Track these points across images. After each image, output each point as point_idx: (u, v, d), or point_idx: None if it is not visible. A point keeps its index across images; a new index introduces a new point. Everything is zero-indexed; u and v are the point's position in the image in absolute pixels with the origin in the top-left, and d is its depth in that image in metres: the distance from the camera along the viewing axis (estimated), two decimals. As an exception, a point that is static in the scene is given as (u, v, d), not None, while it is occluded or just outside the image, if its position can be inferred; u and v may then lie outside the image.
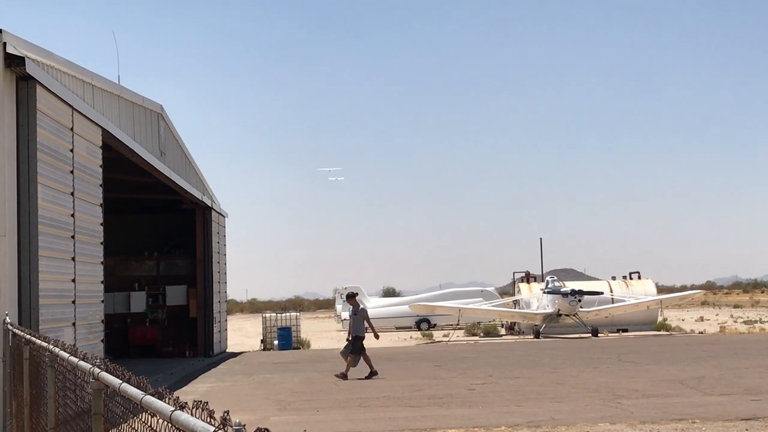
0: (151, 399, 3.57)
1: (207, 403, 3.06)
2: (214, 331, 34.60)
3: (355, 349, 21.47)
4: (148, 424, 3.74)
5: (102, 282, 18.32)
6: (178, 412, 3.14)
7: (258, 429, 2.62)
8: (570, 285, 41.54)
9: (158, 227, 35.29)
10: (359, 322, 21.73)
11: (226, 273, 38.46)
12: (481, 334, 43.73)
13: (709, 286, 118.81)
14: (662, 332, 41.99)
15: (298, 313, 41.75)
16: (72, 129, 15.99)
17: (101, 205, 18.16)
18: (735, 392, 16.48)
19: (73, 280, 15.96)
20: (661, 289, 56.86)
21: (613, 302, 42.13)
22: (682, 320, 53.39)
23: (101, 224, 18.18)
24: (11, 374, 11.34)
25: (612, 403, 15.16)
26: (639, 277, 46.55)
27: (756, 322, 50.54)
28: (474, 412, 14.55)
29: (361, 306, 22.55)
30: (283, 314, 41.01)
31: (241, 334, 50.77)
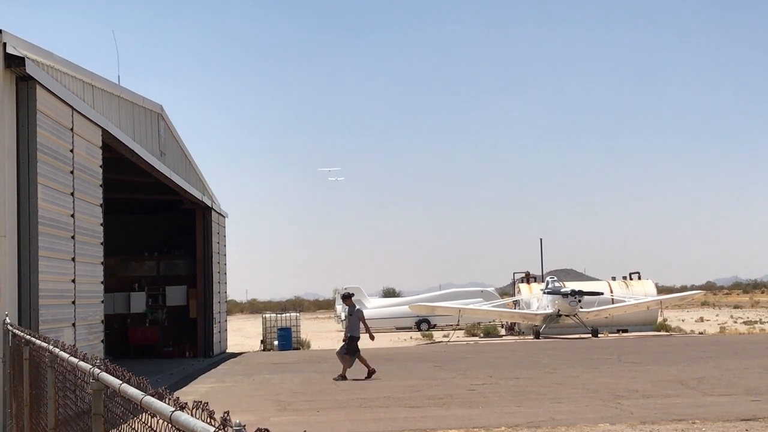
0: (151, 399, 3.56)
1: (207, 403, 3.06)
2: (214, 331, 34.61)
3: (350, 349, 21.48)
4: (148, 424, 3.73)
5: (102, 282, 18.32)
6: (178, 413, 3.14)
7: (258, 429, 2.62)
8: (570, 285, 41.53)
9: (158, 227, 35.29)
10: (354, 322, 21.74)
11: (226, 273, 38.47)
12: (481, 335, 43.72)
13: (709, 287, 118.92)
14: (662, 333, 41.99)
15: (298, 314, 41.75)
16: (72, 129, 15.99)
17: (101, 205, 18.16)
18: (735, 393, 16.48)
19: (73, 281, 15.96)
20: (661, 290, 56.88)
21: (613, 303, 42.13)
22: (682, 321, 53.39)
23: (101, 224, 18.18)
24: (11, 375, 11.34)
25: (612, 404, 15.16)
26: (639, 278, 46.56)
27: (756, 322, 50.54)
28: (474, 413, 14.55)
29: (357, 307, 22.54)
30: (283, 315, 41.02)
31: (241, 334, 50.78)
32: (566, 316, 39.72)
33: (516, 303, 45.64)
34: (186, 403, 3.21)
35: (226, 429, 2.76)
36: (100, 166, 18.08)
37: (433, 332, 45.65)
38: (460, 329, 44.19)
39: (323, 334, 48.97)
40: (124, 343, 33.24)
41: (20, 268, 13.78)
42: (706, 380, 18.77)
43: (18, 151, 13.85)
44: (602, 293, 41.75)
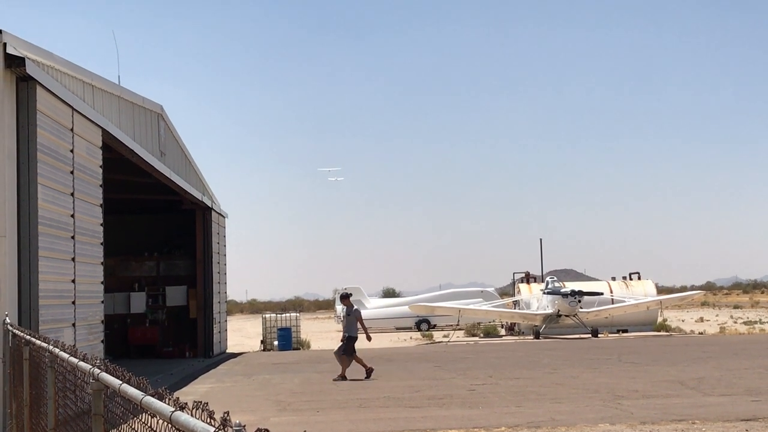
0: (151, 400, 3.56)
1: (207, 403, 3.06)
2: (214, 331, 34.60)
3: (348, 349, 21.49)
4: (148, 424, 3.73)
5: (102, 282, 18.31)
6: (178, 413, 3.14)
7: (258, 430, 2.62)
8: (570, 285, 41.52)
9: (158, 228, 35.29)
10: (352, 322, 21.73)
11: (226, 273, 38.46)
12: (481, 335, 43.72)
13: (709, 287, 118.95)
14: (662, 333, 41.99)
15: (297, 314, 41.75)
16: (72, 129, 15.99)
17: (101, 205, 18.16)
18: (735, 393, 16.47)
19: (73, 281, 15.96)
20: (660, 290, 56.87)
21: (613, 303, 42.13)
22: (682, 321, 53.38)
23: (101, 225, 18.18)
24: (11, 375, 11.34)
25: (612, 404, 15.16)
26: (639, 278, 46.57)
27: (756, 322, 50.54)
28: (474, 413, 14.55)
29: (355, 307, 22.51)
30: (283, 315, 41.01)
31: (241, 334, 50.77)
32: (566, 316, 39.71)
33: (516, 303, 45.63)
34: (186, 404, 3.21)
35: (226, 429, 2.77)
36: (100, 167, 18.08)
37: (433, 332, 45.64)
38: (460, 329, 44.19)
39: (323, 335, 48.94)
40: (124, 343, 33.23)
41: (20, 269, 13.78)
42: (706, 380, 18.77)
43: (18, 151, 13.85)
44: (602, 293, 41.75)
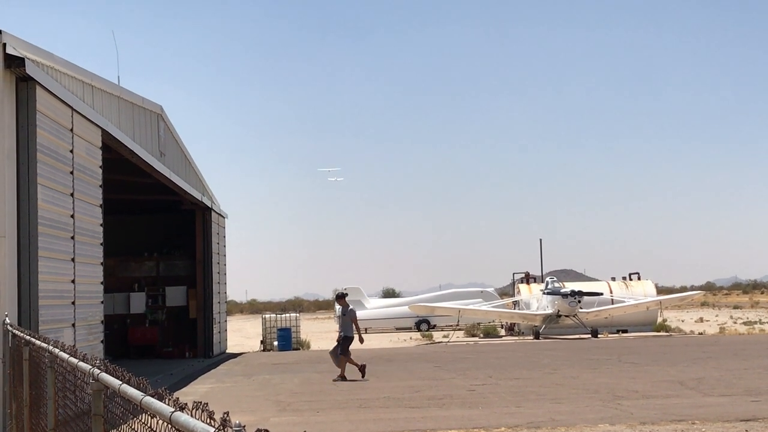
0: (150, 400, 3.56)
1: (207, 404, 3.06)
2: (214, 331, 34.60)
3: (343, 349, 21.49)
4: (148, 425, 3.73)
5: (102, 283, 18.31)
6: (178, 413, 3.14)
7: (258, 430, 2.62)
8: (570, 286, 41.51)
9: (158, 228, 35.28)
10: (347, 322, 21.73)
11: (225, 274, 38.46)
12: (481, 335, 43.71)
13: (709, 287, 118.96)
14: (662, 333, 41.98)
15: (297, 314, 41.74)
16: (72, 130, 15.99)
17: (101, 205, 18.16)
18: (735, 393, 16.48)
19: (73, 281, 15.96)
20: (660, 290, 56.84)
21: (612, 303, 42.12)
22: (682, 321, 53.38)
23: (101, 225, 18.18)
24: (11, 375, 11.34)
25: (612, 404, 15.16)
26: (639, 278, 46.56)
27: (756, 323, 50.53)
28: (474, 413, 14.55)
29: (351, 307, 22.46)
30: (283, 315, 41.00)
31: (241, 335, 50.75)
32: (566, 316, 39.70)
33: (516, 303, 45.62)
34: (186, 404, 3.21)
35: (225, 429, 2.76)
36: (100, 167, 18.08)
37: (432, 333, 45.64)
38: (459, 330, 44.18)
39: (323, 335, 48.92)
40: (124, 343, 33.23)
41: (20, 269, 13.78)
42: (705, 381, 18.77)
43: (18, 151, 13.85)
44: (602, 294, 41.74)
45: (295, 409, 16.14)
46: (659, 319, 44.08)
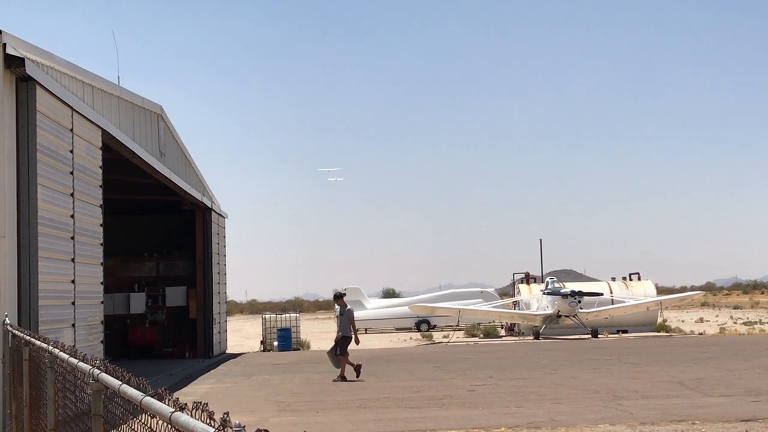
0: (150, 400, 3.56)
1: (207, 404, 3.06)
2: (214, 332, 34.59)
3: (342, 349, 21.48)
4: (148, 425, 3.73)
5: (102, 283, 18.31)
6: (178, 414, 3.14)
7: (258, 430, 2.62)
8: (570, 286, 41.51)
9: (158, 228, 35.28)
10: (345, 322, 21.72)
11: (225, 274, 38.45)
12: (481, 336, 43.71)
13: (709, 287, 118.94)
14: (662, 333, 41.98)
15: (297, 314, 41.73)
16: (72, 130, 15.99)
17: (101, 206, 18.16)
18: (735, 393, 16.47)
19: (73, 281, 15.96)
20: (660, 290, 56.84)
21: (612, 303, 42.12)
22: (682, 321, 53.38)
23: (101, 225, 18.17)
24: (11, 375, 11.34)
25: (612, 405, 15.16)
26: (639, 278, 46.56)
27: (756, 323, 50.54)
28: (474, 414, 14.55)
29: (348, 306, 22.42)
30: (283, 315, 40.99)
31: (241, 335, 50.74)
32: (566, 316, 39.70)
33: (516, 304, 45.61)
34: (186, 404, 3.21)
35: (225, 430, 2.76)
36: (100, 167, 18.08)
37: (432, 333, 45.64)
38: (459, 330, 44.18)
39: (323, 335, 48.91)
40: (124, 343, 33.22)
41: (20, 269, 13.78)
42: (705, 381, 18.77)
43: (18, 151, 13.85)
44: (602, 294, 41.74)
45: (295, 409, 16.14)
46: (659, 320, 44.08)
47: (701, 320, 55.85)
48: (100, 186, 18.11)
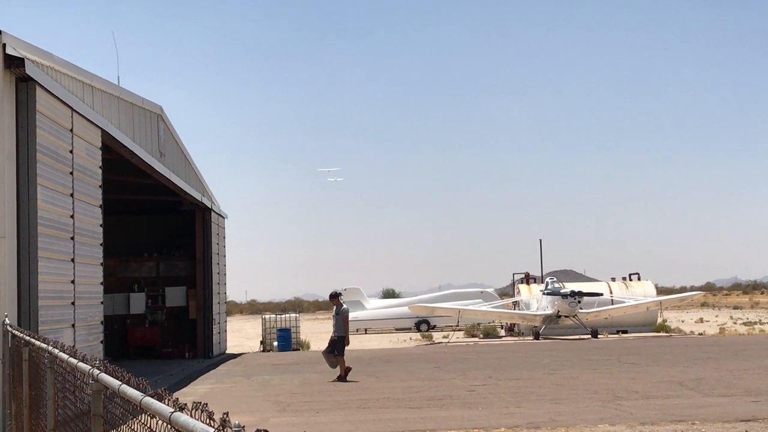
0: (150, 400, 3.56)
1: (206, 404, 3.06)
2: (214, 332, 34.59)
3: (339, 349, 21.49)
4: (148, 425, 3.73)
5: (101, 283, 18.31)
6: (178, 414, 3.14)
7: (257, 430, 2.62)
8: (569, 286, 41.51)
9: (158, 228, 35.28)
10: (340, 322, 21.72)
11: (225, 274, 38.45)
12: (481, 336, 43.69)
13: (709, 288, 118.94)
14: (662, 334, 41.97)
15: (297, 315, 41.70)
16: (71, 130, 15.99)
17: (101, 206, 18.16)
18: (735, 394, 16.48)
19: (73, 282, 15.96)
20: (660, 291, 56.83)
21: (612, 303, 42.12)
22: (682, 321, 53.38)
23: (101, 225, 18.17)
24: (11, 376, 11.34)
25: (612, 405, 15.16)
26: (639, 279, 46.55)
27: (756, 323, 50.53)
28: (474, 414, 14.55)
29: (344, 306, 22.40)
30: (283, 315, 40.96)
31: (241, 335, 50.73)
32: (566, 317, 39.70)
33: (515, 304, 45.60)
34: (185, 404, 3.21)
35: (225, 430, 2.76)
36: (100, 167, 18.08)
37: (432, 333, 45.62)
38: (459, 330, 44.17)
39: (323, 335, 48.87)
40: (124, 344, 33.22)
41: (20, 269, 13.78)
42: (705, 381, 18.77)
43: (18, 152, 13.85)
44: (602, 294, 41.74)
45: (295, 409, 16.14)
46: (659, 320, 44.07)
47: (701, 320, 55.85)
48: (100, 186, 18.11)
